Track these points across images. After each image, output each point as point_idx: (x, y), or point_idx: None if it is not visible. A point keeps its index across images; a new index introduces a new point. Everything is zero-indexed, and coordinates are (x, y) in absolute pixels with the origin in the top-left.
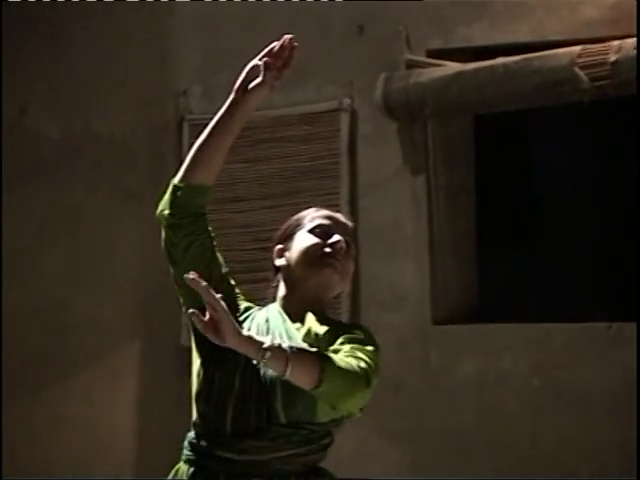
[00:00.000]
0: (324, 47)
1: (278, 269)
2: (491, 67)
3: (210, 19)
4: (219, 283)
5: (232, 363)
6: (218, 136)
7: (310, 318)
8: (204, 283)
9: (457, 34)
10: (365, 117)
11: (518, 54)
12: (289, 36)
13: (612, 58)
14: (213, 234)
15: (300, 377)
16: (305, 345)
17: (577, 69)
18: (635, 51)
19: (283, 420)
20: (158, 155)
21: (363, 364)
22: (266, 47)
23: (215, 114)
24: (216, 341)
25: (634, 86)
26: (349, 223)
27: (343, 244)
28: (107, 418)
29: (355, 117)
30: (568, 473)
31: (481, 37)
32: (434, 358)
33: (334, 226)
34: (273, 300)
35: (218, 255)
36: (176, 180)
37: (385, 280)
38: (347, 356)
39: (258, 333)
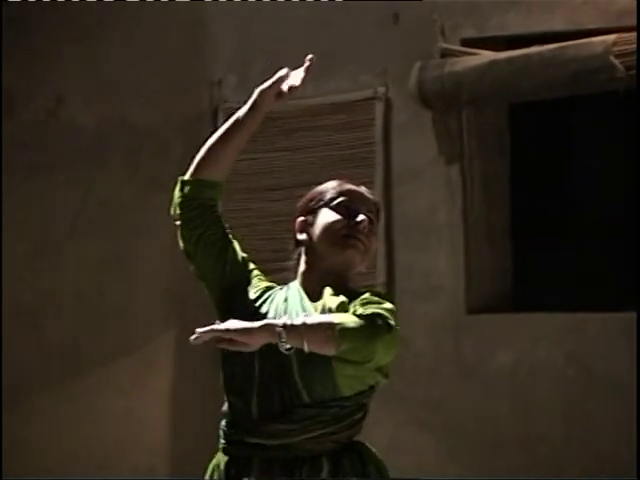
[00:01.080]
0: (359, 36)
1: (299, 242)
2: (526, 56)
3: (244, 8)
4: (235, 269)
5: (250, 353)
6: (233, 132)
7: (327, 292)
8: (201, 336)
9: (491, 23)
10: (400, 106)
11: (552, 43)
12: (311, 57)
13: None
14: (226, 224)
15: (320, 345)
16: (317, 315)
17: (612, 57)
18: None
19: (307, 400)
20: (193, 144)
21: (377, 311)
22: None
23: None
24: (244, 349)
25: None
26: (373, 198)
27: (366, 223)
28: (141, 408)
29: (390, 106)
30: (602, 463)
31: (515, 26)
32: (468, 347)
33: (358, 203)
34: (294, 274)
35: (234, 243)
36: (184, 176)
37: (419, 269)
38: (358, 313)
39: (277, 313)
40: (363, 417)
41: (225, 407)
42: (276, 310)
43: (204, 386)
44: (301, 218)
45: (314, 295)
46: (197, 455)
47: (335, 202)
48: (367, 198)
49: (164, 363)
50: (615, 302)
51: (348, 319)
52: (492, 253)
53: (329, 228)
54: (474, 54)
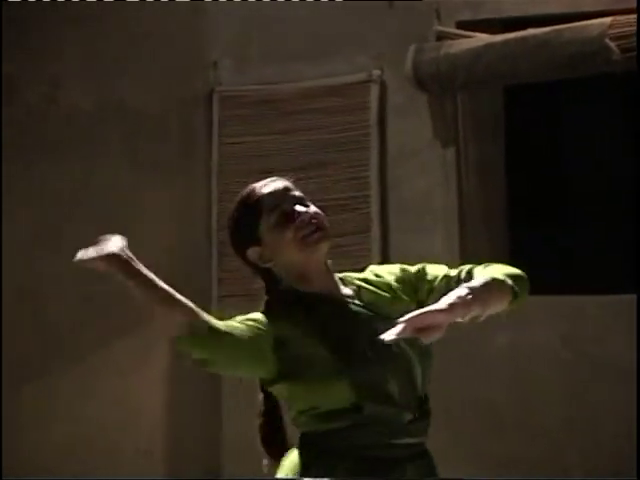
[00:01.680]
0: (354, 19)
1: (268, 271)
2: (521, 38)
3: None
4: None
5: (369, 358)
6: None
7: (356, 284)
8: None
9: (487, 5)
10: (395, 89)
11: (547, 25)
12: None
13: None
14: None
15: (496, 306)
16: (478, 278)
17: (608, 40)
18: None
19: (422, 395)
20: (189, 127)
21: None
22: None
23: (245, 85)
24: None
25: None
26: (284, 180)
27: (309, 211)
28: (138, 390)
29: (385, 89)
30: (600, 446)
31: (511, 8)
32: (464, 330)
33: (284, 196)
34: (275, 302)
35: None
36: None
37: (414, 252)
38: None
39: (346, 333)
40: None
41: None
42: (342, 326)
43: (200, 371)
44: (252, 249)
45: (335, 292)
46: (193, 438)
47: (271, 214)
48: (284, 185)
49: (162, 346)
50: (612, 285)
51: (505, 270)
52: (487, 235)
53: (291, 240)
54: (470, 37)
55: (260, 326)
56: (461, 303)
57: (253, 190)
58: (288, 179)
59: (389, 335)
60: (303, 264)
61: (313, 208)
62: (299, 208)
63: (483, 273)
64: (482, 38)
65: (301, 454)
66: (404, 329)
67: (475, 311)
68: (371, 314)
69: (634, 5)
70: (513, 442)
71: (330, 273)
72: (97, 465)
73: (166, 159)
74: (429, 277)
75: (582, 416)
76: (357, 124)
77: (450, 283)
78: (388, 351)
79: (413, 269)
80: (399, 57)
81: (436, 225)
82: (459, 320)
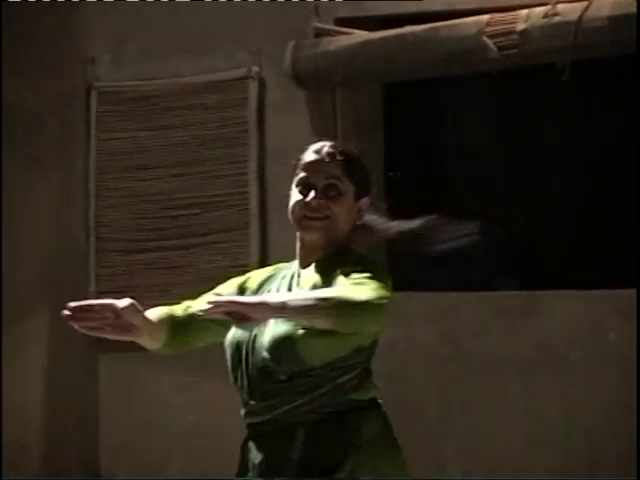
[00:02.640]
0: (233, 14)
1: None
2: (400, 36)
3: None
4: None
5: (237, 339)
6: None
7: (311, 270)
8: (209, 311)
9: (365, 3)
10: (274, 85)
11: (425, 23)
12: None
13: (520, 27)
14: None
15: (307, 322)
16: (307, 291)
17: (485, 38)
18: (544, 19)
19: (282, 376)
20: (67, 122)
21: (363, 283)
22: None
23: (123, 81)
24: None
25: (542, 55)
26: (337, 158)
27: (316, 202)
28: (15, 385)
29: (264, 85)
30: (475, 440)
31: (389, 6)
32: None
33: (315, 175)
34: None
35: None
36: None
37: (293, 249)
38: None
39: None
40: (356, 377)
41: None
42: (278, 288)
43: (78, 364)
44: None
45: (307, 270)
46: (71, 432)
47: (296, 180)
48: (327, 163)
49: (39, 340)
50: (490, 281)
51: (337, 295)
52: None
53: (292, 212)
54: (348, 34)
55: None
56: (267, 306)
57: (313, 148)
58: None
59: (201, 309)
60: (299, 236)
61: (333, 195)
62: (311, 195)
63: (325, 291)
64: (360, 35)
65: None
66: (209, 309)
67: (283, 316)
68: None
69: (511, 3)
70: None
71: (320, 263)
72: None
73: (43, 155)
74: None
75: (459, 411)
76: (236, 120)
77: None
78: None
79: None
80: (278, 54)
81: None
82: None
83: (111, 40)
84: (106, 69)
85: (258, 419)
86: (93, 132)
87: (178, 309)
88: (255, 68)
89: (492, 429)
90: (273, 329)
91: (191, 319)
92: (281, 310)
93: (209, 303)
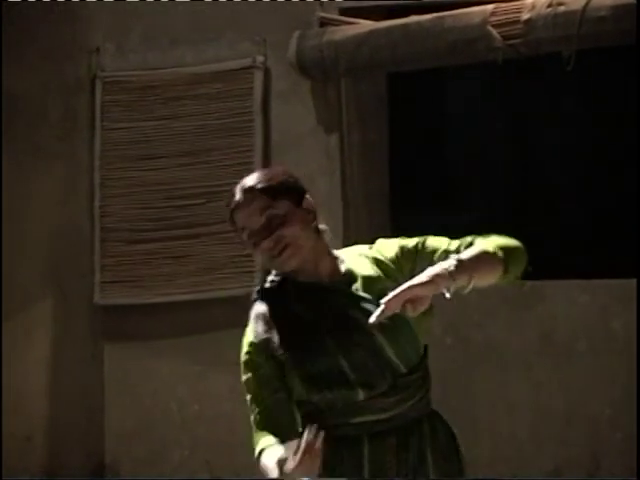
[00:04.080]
0: (238, 4)
1: None
2: (404, 25)
3: None
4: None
5: (331, 354)
6: None
7: (348, 268)
8: (385, 310)
9: None
10: (278, 75)
11: (430, 13)
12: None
13: (525, 16)
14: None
15: (485, 278)
16: (469, 250)
17: (490, 27)
18: (549, 8)
19: (403, 369)
20: (71, 112)
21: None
22: None
23: (128, 71)
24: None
25: (546, 44)
26: (255, 192)
27: (267, 244)
28: (18, 375)
29: (268, 75)
30: (479, 432)
31: None
32: None
33: (249, 219)
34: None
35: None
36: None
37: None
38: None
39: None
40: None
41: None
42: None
43: (82, 354)
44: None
45: (327, 278)
46: (73, 423)
47: (243, 238)
48: (251, 205)
49: (42, 330)
50: None
51: (500, 242)
52: (371, 222)
53: (264, 265)
54: (353, 23)
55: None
56: (444, 274)
57: (233, 202)
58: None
59: (372, 319)
60: None
61: (282, 221)
62: (262, 244)
63: (478, 245)
64: (365, 25)
65: None
66: (384, 310)
67: (461, 281)
68: (352, 300)
69: None
70: None
71: (325, 258)
72: None
73: (48, 144)
74: (428, 250)
75: (463, 402)
76: (240, 110)
77: (449, 256)
78: (349, 338)
79: (411, 244)
80: (283, 43)
81: (319, 211)
82: (444, 291)
83: (115, 30)
84: (110, 59)
85: (385, 415)
86: (98, 122)
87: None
88: (260, 58)
89: (495, 418)
90: (388, 321)
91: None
92: (461, 271)
93: (384, 304)
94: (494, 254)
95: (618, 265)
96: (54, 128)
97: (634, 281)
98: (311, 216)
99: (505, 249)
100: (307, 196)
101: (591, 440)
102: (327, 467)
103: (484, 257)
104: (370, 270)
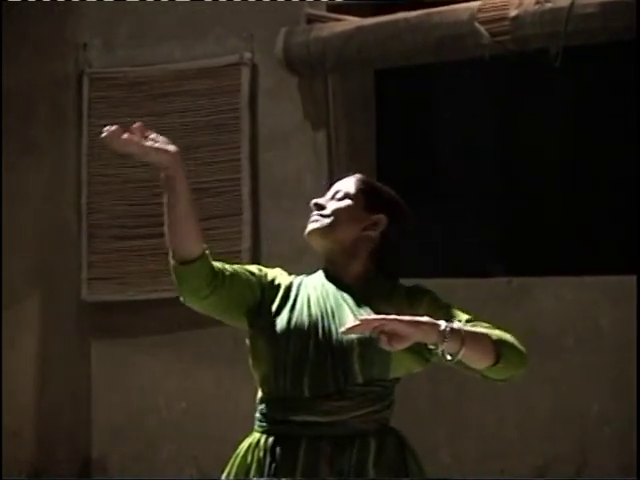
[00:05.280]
0: (225, 0)
1: None
2: (392, 22)
3: None
4: (260, 294)
5: (304, 333)
6: (173, 210)
7: (360, 289)
8: (361, 325)
9: None
10: (266, 71)
11: (418, 9)
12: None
13: (512, 13)
14: (232, 268)
15: (475, 356)
16: (476, 327)
17: (477, 24)
18: (536, 5)
19: (360, 380)
20: (58, 108)
21: (516, 342)
22: None
23: (115, 67)
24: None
25: (534, 41)
26: (351, 179)
27: (316, 201)
28: (6, 372)
29: (256, 71)
30: (466, 427)
31: None
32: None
33: (330, 192)
34: None
35: (246, 274)
36: (172, 260)
37: (286, 234)
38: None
39: (319, 306)
40: (393, 402)
41: (264, 389)
42: (317, 303)
43: (70, 351)
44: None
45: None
46: (62, 420)
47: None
48: (346, 183)
49: (30, 326)
50: (482, 267)
51: (506, 337)
52: None
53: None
54: (340, 20)
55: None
56: (434, 328)
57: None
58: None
59: (343, 328)
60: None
61: (331, 204)
62: (312, 201)
63: (486, 328)
64: (352, 21)
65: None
66: (357, 325)
67: (450, 346)
68: (349, 304)
69: None
70: None
71: (359, 267)
72: None
73: (35, 141)
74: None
75: (450, 398)
76: (228, 107)
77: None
78: (328, 331)
79: (440, 310)
80: (270, 40)
81: (307, 207)
82: (440, 351)
83: (103, 26)
84: (98, 55)
85: (326, 419)
86: (85, 118)
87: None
88: (247, 54)
89: (483, 415)
90: (366, 337)
91: (235, 272)
92: (455, 337)
93: (359, 320)
94: (493, 342)
95: (606, 262)
96: (42, 124)
97: (625, 278)
98: (370, 225)
99: (507, 347)
100: (383, 215)
101: (579, 436)
102: (260, 465)
103: (483, 339)
104: (387, 301)
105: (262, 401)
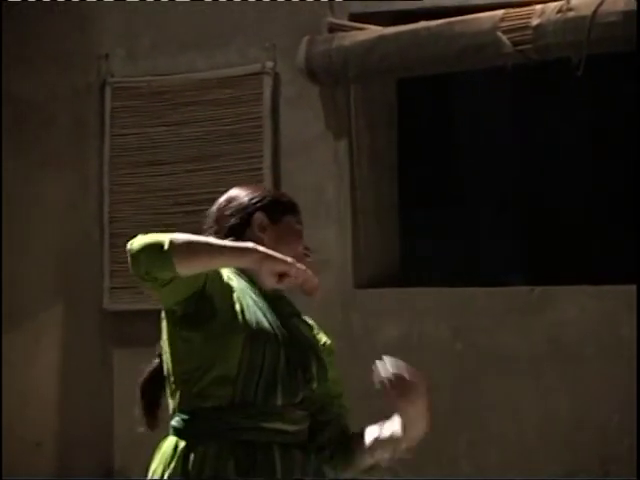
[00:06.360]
0: (247, 10)
1: (241, 233)
2: (414, 31)
3: None
4: (212, 285)
5: (276, 339)
6: (215, 261)
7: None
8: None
9: None
10: (288, 80)
11: (440, 18)
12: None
13: (534, 22)
14: None
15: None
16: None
17: (499, 33)
18: (558, 14)
19: (314, 389)
20: (80, 118)
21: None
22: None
23: (137, 77)
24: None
25: (556, 50)
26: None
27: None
28: (27, 381)
29: (278, 80)
30: (488, 435)
31: (403, 1)
32: (356, 322)
33: (300, 227)
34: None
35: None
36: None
37: (307, 243)
38: None
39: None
40: None
41: (228, 396)
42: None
43: (91, 359)
44: (263, 217)
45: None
46: (83, 429)
47: (294, 220)
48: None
49: (52, 336)
50: (502, 276)
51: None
52: (380, 227)
53: (294, 249)
54: (362, 29)
55: None
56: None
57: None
58: None
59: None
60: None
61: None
62: (302, 249)
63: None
64: (374, 30)
65: (178, 437)
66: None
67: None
68: (293, 309)
69: None
70: None
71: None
72: None
73: (57, 151)
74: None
75: (473, 408)
76: (250, 116)
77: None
78: (291, 339)
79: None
80: (292, 49)
81: (329, 216)
82: None
83: (125, 36)
84: (120, 65)
85: (294, 427)
86: (107, 128)
87: None
88: (269, 63)
89: (504, 424)
90: (316, 341)
91: None
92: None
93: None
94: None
95: (627, 271)
96: (63, 134)
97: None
98: (257, 230)
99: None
100: (258, 213)
101: (599, 446)
102: (240, 471)
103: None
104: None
105: (229, 407)
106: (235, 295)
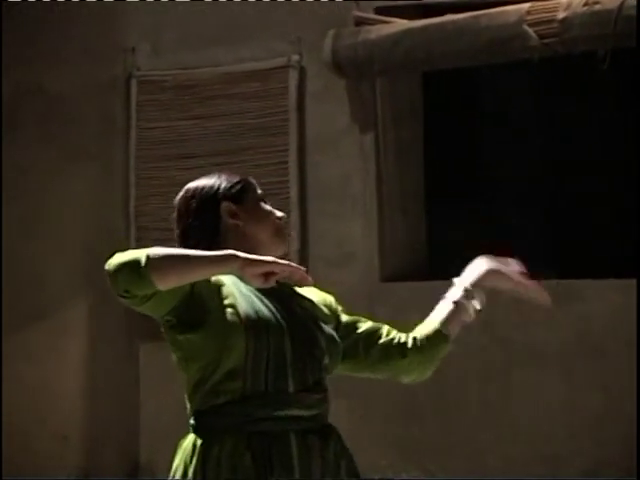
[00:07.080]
0: (272, 3)
1: (225, 226)
2: (440, 24)
3: None
4: (200, 285)
5: (278, 327)
6: (195, 273)
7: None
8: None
9: None
10: (314, 74)
11: (465, 12)
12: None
13: (561, 15)
14: None
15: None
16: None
17: (526, 26)
18: (585, 7)
19: (326, 373)
20: (106, 111)
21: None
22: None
23: (163, 70)
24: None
25: (582, 43)
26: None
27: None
28: (55, 376)
29: (304, 74)
30: (516, 429)
31: None
32: (382, 315)
33: (262, 193)
34: None
35: None
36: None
37: (333, 237)
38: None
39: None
40: None
41: (238, 387)
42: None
43: (118, 354)
44: (230, 204)
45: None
46: (110, 424)
47: (260, 195)
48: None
49: (79, 330)
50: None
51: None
52: (406, 220)
53: (272, 221)
54: (388, 22)
55: None
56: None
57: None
58: None
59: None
60: (260, 246)
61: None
62: (281, 213)
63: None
64: (400, 24)
65: (197, 435)
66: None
67: None
68: (294, 294)
69: None
70: (429, 426)
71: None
72: (13, 450)
73: (83, 144)
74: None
75: (501, 403)
76: (276, 109)
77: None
78: (295, 324)
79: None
80: (318, 42)
81: (355, 210)
82: None
83: (151, 29)
84: (146, 58)
85: (310, 412)
86: (133, 121)
87: None
88: (295, 57)
89: (532, 418)
90: (321, 314)
91: None
92: None
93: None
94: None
95: None
96: (89, 128)
97: None
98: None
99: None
100: (225, 203)
101: (629, 439)
102: (257, 463)
103: None
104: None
105: (241, 399)
106: (226, 289)
